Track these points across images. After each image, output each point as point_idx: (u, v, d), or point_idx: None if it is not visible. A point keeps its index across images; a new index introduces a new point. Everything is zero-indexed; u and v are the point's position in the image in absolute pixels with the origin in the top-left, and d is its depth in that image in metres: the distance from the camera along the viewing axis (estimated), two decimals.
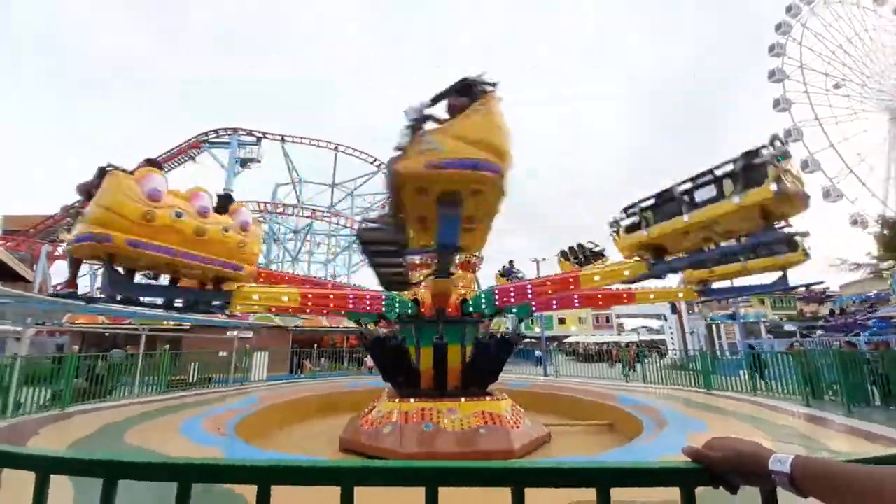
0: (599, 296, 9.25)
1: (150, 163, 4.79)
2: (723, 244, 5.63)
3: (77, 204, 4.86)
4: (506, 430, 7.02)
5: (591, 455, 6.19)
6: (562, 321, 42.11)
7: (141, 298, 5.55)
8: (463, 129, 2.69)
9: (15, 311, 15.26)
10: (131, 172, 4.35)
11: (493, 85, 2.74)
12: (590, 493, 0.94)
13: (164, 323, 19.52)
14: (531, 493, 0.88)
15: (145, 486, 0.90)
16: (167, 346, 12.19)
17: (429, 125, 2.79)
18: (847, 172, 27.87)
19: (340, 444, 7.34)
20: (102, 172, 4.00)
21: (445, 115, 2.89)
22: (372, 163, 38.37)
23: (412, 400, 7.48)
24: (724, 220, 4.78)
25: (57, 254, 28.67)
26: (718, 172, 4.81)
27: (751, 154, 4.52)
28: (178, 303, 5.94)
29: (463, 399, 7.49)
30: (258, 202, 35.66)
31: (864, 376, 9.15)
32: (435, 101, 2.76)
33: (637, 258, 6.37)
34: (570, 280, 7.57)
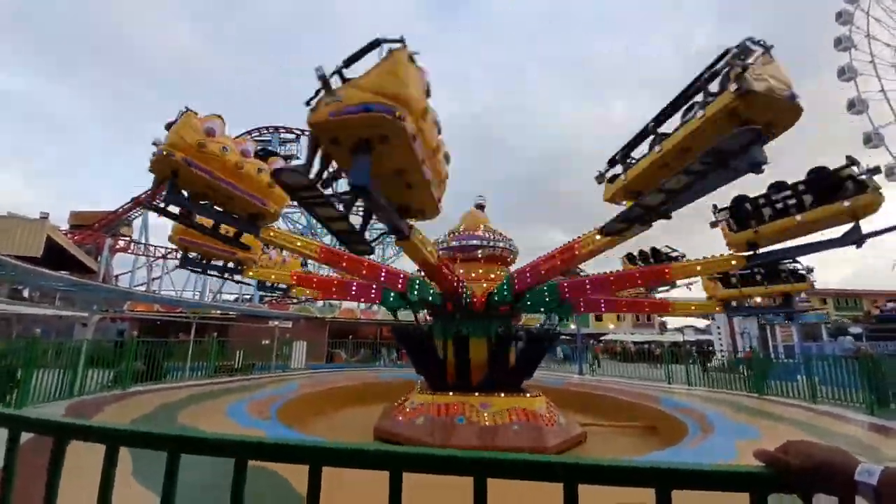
0: (646, 303, 8.79)
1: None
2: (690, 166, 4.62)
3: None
4: (539, 428, 6.93)
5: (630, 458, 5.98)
6: (598, 318, 40.91)
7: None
8: (364, 82, 2.91)
9: (82, 298, 16.69)
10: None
11: (400, 41, 2.93)
12: (638, 498, 0.88)
13: (213, 312, 20.71)
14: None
15: (194, 464, 0.94)
16: (215, 334, 12.92)
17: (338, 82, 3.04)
18: None
19: (375, 433, 7.51)
20: (181, 114, 5.30)
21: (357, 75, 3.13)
22: None
23: (445, 393, 7.53)
24: (699, 142, 4.12)
25: (118, 246, 31.05)
26: (691, 94, 4.15)
27: (718, 59, 3.83)
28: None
29: (496, 394, 7.45)
30: None
31: None
32: (348, 62, 2.94)
33: (627, 204, 5.70)
34: (574, 248, 6.84)
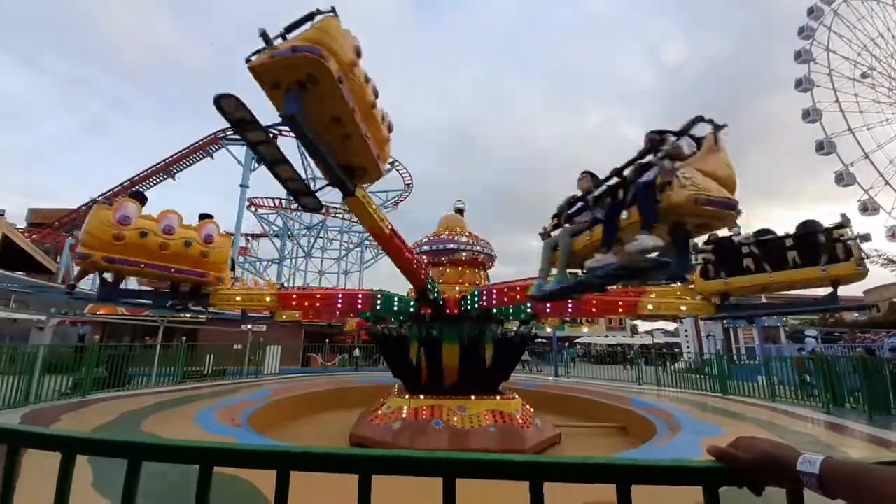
0: (620, 303, 7.57)
1: (134, 195, 6.18)
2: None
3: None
4: (516, 430, 6.99)
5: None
6: (574, 321, 41.64)
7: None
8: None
9: (38, 300, 15.79)
10: (111, 204, 5.57)
11: (332, 11, 3.14)
12: (604, 495, 0.92)
13: (182, 315, 19.91)
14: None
15: (161, 473, 0.91)
16: (184, 338, 12.47)
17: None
18: (863, 157, 27.29)
19: (350, 438, 7.40)
20: (91, 205, 4.88)
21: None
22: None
23: (421, 396, 7.50)
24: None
25: None
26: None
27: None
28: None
29: (473, 397, 7.48)
30: (273, 198, 36.20)
31: (888, 384, 8.85)
32: (289, 28, 3.12)
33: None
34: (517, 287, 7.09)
